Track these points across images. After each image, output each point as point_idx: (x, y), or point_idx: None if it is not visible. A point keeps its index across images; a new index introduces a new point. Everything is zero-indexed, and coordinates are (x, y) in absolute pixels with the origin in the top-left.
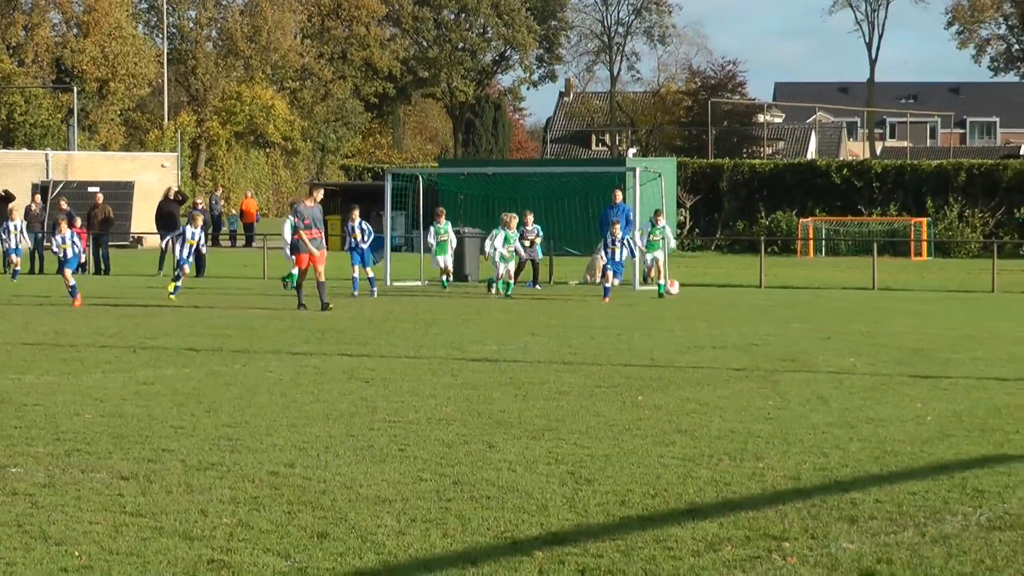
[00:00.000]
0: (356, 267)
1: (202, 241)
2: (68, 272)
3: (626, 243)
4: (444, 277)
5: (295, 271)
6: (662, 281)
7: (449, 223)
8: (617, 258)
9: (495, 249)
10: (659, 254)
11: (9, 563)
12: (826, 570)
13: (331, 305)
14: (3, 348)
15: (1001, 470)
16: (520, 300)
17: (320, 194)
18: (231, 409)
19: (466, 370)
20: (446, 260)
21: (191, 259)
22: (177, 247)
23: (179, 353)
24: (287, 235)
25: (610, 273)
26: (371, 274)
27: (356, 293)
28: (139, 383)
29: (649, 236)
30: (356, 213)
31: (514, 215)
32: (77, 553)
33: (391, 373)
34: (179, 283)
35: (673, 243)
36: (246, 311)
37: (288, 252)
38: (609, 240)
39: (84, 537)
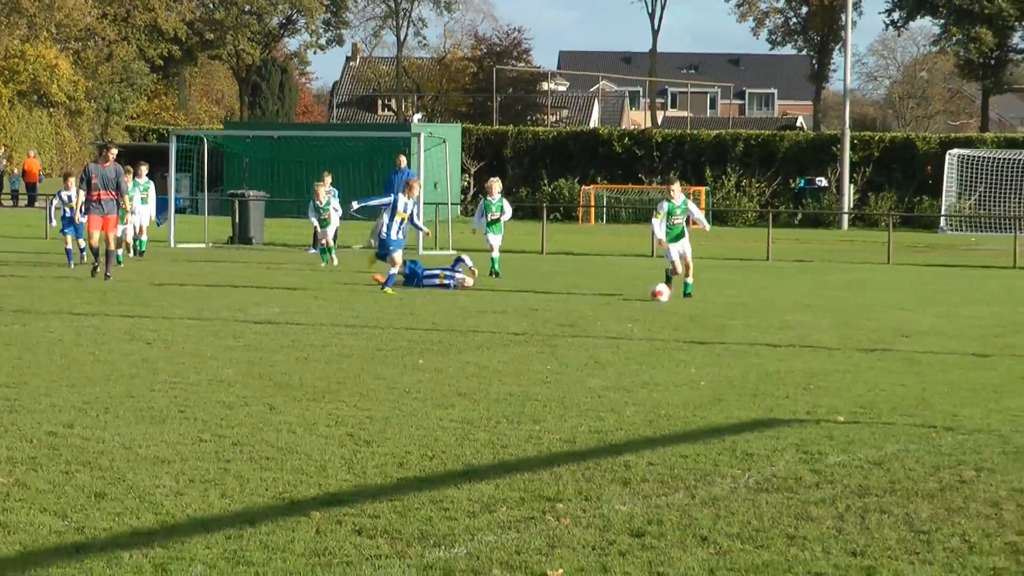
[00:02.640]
0: (68, 237)
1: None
2: None
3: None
4: (135, 243)
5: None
6: (689, 279)
7: (152, 182)
8: (393, 235)
9: (480, 223)
10: (686, 246)
11: None
12: (598, 531)
13: (111, 277)
14: None
15: (770, 434)
16: (305, 265)
17: (113, 153)
18: (10, 369)
19: (248, 332)
20: (140, 222)
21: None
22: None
23: None
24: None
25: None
26: (82, 246)
27: (73, 265)
28: None
29: (667, 217)
30: (71, 181)
31: (496, 179)
32: None
33: (173, 335)
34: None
35: (707, 226)
36: (27, 271)
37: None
38: (386, 218)
39: None
